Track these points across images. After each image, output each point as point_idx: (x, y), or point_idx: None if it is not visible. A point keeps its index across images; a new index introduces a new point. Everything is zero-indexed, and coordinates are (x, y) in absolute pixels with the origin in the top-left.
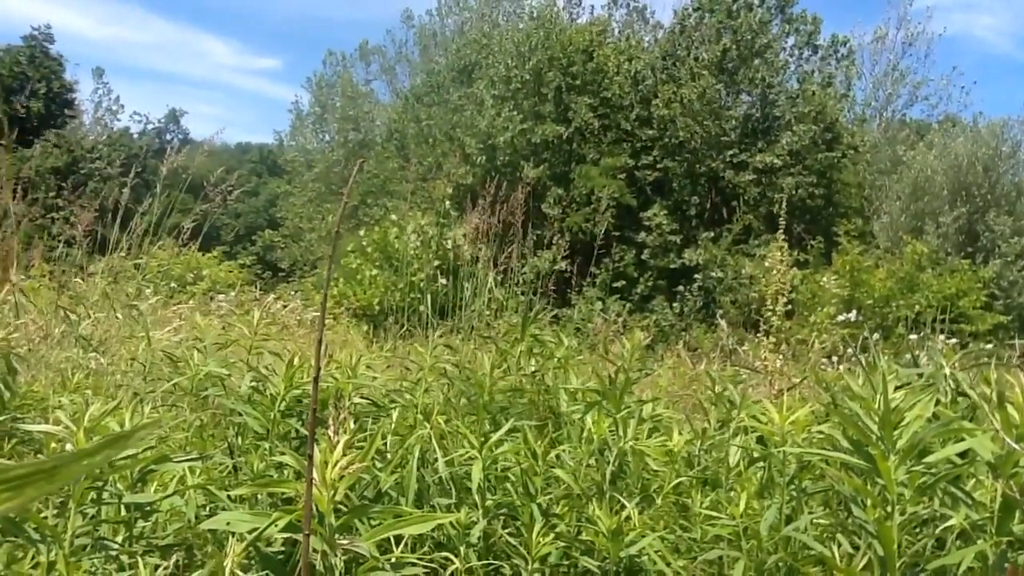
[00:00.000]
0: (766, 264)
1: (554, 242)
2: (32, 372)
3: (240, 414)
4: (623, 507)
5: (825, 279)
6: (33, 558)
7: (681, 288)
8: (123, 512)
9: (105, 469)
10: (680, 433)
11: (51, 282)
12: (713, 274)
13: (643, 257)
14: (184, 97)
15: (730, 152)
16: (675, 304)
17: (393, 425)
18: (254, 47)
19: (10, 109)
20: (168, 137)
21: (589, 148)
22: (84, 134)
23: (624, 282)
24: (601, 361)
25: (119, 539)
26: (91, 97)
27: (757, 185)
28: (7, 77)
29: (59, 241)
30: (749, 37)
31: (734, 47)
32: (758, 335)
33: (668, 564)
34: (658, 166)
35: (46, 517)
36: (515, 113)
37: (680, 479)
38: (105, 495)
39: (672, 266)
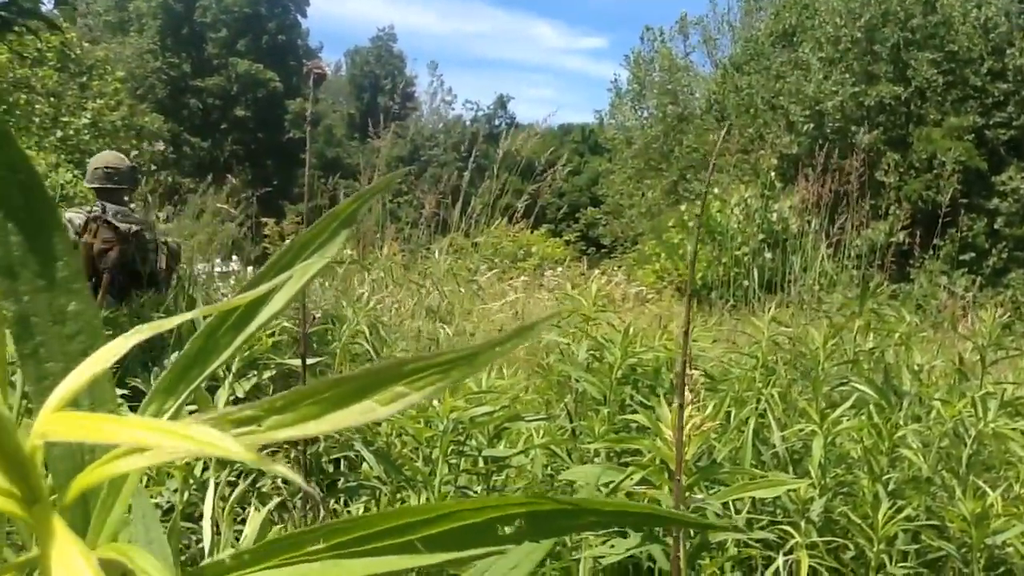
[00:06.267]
0: None
1: (891, 212)
2: (392, 339)
3: (578, 380)
4: (984, 493)
5: None
6: (405, 500)
7: None
8: (481, 464)
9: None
10: None
11: (401, 260)
12: None
13: (996, 226)
14: (513, 82)
15: None
16: None
17: (727, 397)
18: (580, 27)
19: (362, 105)
20: (496, 123)
21: (930, 108)
22: (423, 124)
23: (973, 254)
24: (949, 339)
25: (478, 489)
26: (427, 89)
27: None
28: (359, 76)
29: (406, 223)
30: None
31: None
32: None
33: None
34: (1014, 124)
35: (418, 466)
36: (846, 75)
37: None
38: (466, 449)
39: None
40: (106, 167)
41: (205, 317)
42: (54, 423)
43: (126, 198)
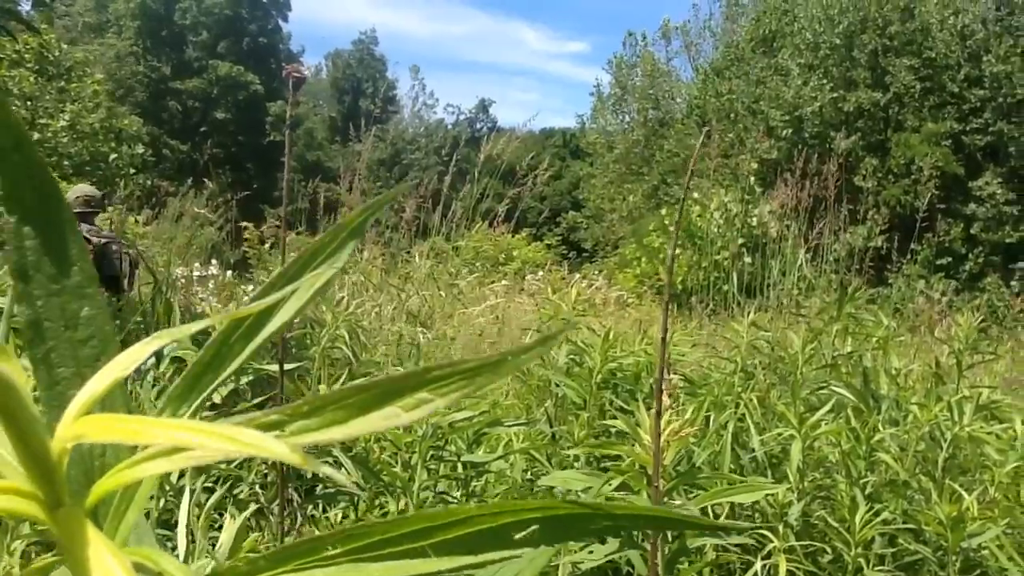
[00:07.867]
0: None
1: (869, 217)
2: (372, 343)
3: (558, 385)
4: (959, 496)
5: None
6: (383, 507)
7: (1022, 265)
8: (460, 470)
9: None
10: (1023, 422)
11: (382, 264)
12: None
13: (972, 231)
14: (496, 85)
15: None
16: (1013, 283)
17: (706, 401)
18: (563, 32)
19: (344, 108)
20: (478, 126)
21: (908, 114)
22: (404, 127)
23: (950, 259)
24: (926, 343)
25: (456, 494)
26: (409, 93)
27: None
28: (340, 79)
29: (387, 227)
30: None
31: None
32: None
33: (1010, 559)
34: (990, 130)
35: (397, 471)
36: (824, 81)
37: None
38: (445, 454)
39: (1008, 240)
40: (85, 195)
41: (197, 335)
42: (86, 425)
43: (95, 220)
